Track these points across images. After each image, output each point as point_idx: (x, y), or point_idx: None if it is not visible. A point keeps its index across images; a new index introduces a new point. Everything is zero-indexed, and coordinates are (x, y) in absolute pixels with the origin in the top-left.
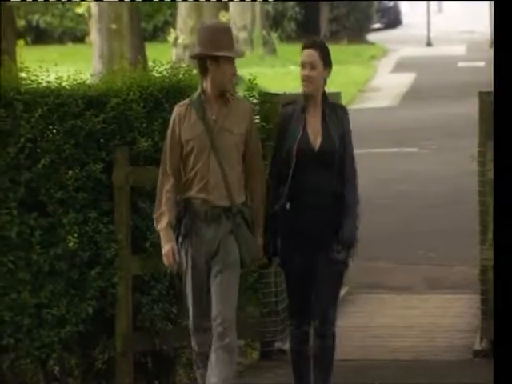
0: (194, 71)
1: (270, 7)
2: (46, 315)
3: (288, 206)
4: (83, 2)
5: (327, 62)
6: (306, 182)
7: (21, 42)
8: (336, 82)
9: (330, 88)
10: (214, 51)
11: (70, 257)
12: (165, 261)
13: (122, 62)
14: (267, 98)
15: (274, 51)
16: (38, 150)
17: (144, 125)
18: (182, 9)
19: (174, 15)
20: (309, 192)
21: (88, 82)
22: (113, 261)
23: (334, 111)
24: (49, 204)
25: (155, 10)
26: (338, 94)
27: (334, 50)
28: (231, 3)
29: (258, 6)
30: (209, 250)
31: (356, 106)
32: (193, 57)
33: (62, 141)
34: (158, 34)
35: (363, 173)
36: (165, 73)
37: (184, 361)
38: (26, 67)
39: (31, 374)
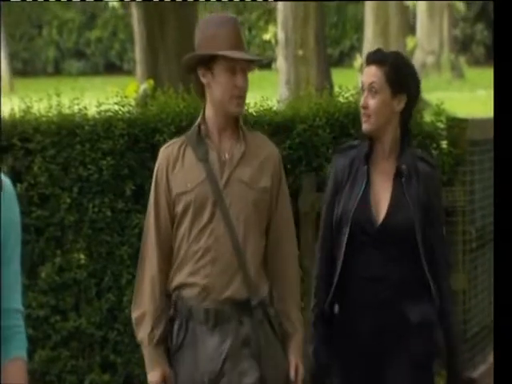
0: None
1: (458, 31)
2: None
3: (337, 308)
4: (270, 29)
5: (399, 87)
6: (364, 270)
7: None
8: None
9: None
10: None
11: None
12: None
13: (308, 88)
14: (455, 123)
15: (461, 75)
16: None
17: (330, 151)
18: (369, 34)
19: (360, 40)
20: (369, 285)
21: (274, 108)
22: None
23: (414, 166)
24: None
25: (341, 36)
26: None
27: None
28: (418, 28)
29: (445, 30)
30: (211, 370)
31: None
32: (184, 69)
33: None
34: (343, 59)
35: None
36: (351, 98)
37: None
38: None
39: None
